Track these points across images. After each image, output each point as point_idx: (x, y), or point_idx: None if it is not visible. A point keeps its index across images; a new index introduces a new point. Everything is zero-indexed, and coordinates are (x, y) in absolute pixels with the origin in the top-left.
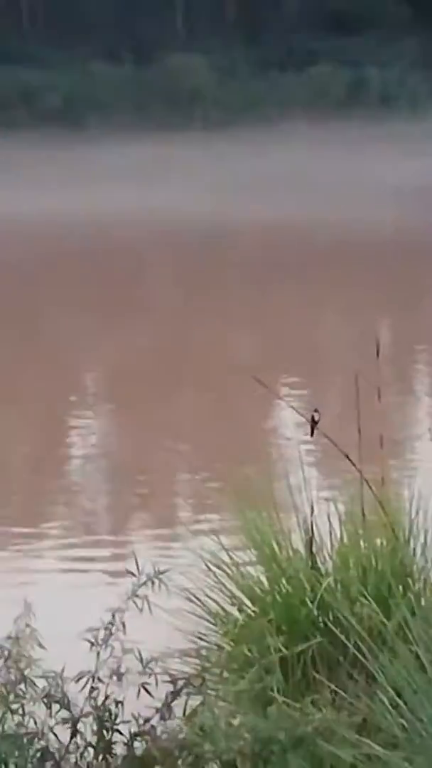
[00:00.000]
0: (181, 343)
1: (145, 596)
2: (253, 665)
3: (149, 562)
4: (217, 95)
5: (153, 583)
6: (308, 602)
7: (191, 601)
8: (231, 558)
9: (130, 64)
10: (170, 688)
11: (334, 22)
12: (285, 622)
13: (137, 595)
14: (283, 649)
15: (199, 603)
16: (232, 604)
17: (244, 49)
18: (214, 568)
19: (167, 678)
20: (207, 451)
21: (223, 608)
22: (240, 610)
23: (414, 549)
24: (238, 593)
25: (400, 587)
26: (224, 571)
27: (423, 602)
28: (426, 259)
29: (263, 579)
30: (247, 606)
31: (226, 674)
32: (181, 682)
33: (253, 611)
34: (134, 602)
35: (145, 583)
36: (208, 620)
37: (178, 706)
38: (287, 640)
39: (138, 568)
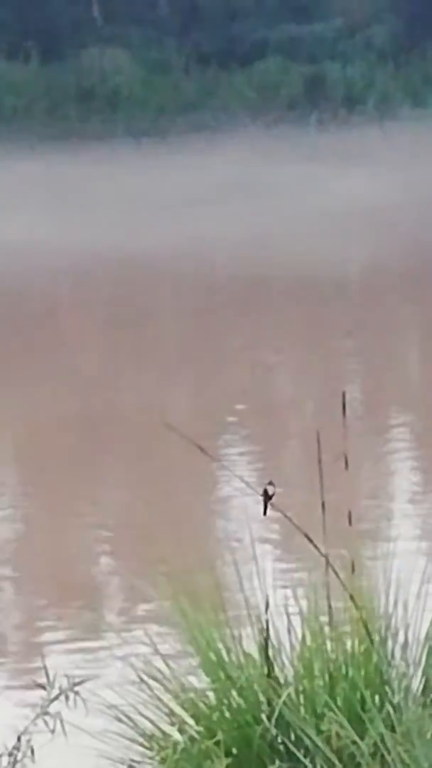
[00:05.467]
0: (103, 404)
1: (59, 714)
2: None
3: (67, 673)
4: (143, 97)
5: (67, 697)
6: (264, 719)
7: (120, 720)
8: (168, 667)
9: (36, 60)
10: None
11: (284, 7)
12: (236, 744)
13: (49, 713)
14: None
15: (130, 723)
16: (171, 724)
17: (175, 41)
18: (147, 680)
19: None
20: (137, 535)
21: (159, 728)
22: (181, 731)
23: (392, 651)
24: (178, 710)
25: (376, 699)
26: (160, 683)
27: (403, 717)
28: (400, 298)
29: (209, 692)
30: (189, 725)
31: None
32: None
33: (197, 731)
34: (45, 722)
35: (57, 698)
36: (141, 744)
37: None
38: (239, 766)
39: (49, 680)
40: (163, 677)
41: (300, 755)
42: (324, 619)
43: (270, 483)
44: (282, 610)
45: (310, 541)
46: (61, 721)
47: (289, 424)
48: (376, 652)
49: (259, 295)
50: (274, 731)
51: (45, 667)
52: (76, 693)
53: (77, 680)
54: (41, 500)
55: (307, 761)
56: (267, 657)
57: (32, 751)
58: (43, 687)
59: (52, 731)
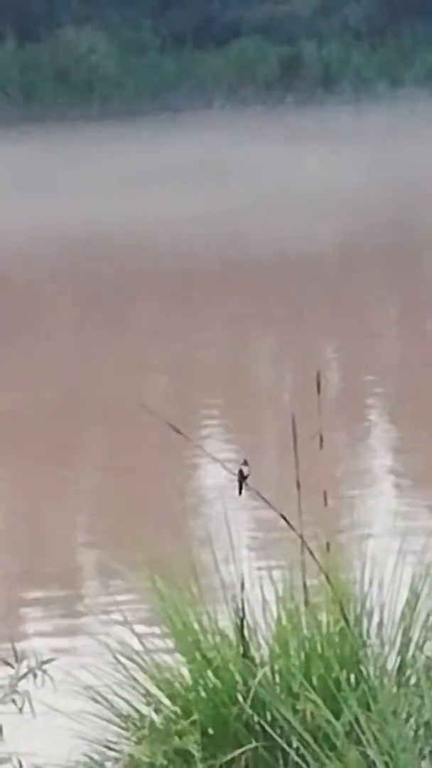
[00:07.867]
0: (78, 383)
1: (26, 693)
2: None
3: (42, 653)
4: (118, 77)
5: (35, 676)
6: (240, 699)
7: (96, 701)
8: (144, 647)
9: (12, 40)
10: None
11: None
12: (212, 724)
13: (17, 692)
14: (210, 757)
15: (106, 703)
16: (147, 704)
17: (151, 21)
18: (123, 661)
19: None
20: (112, 515)
21: (135, 709)
22: (157, 711)
23: (367, 630)
24: (154, 690)
25: (352, 678)
26: (136, 663)
27: (378, 696)
28: (373, 277)
29: (185, 672)
30: (165, 705)
31: None
32: None
33: (173, 711)
34: (14, 701)
35: (25, 676)
36: (117, 724)
37: None
38: (215, 746)
39: (17, 659)
40: (139, 658)
41: (275, 735)
42: (299, 598)
43: (245, 463)
44: (258, 591)
45: (285, 520)
46: (29, 700)
47: (266, 402)
48: (351, 632)
49: (234, 270)
50: (249, 711)
51: (13, 646)
52: (44, 672)
53: (46, 659)
54: (15, 481)
55: (282, 741)
56: (243, 637)
57: (0, 729)
58: (10, 665)
59: (20, 709)
